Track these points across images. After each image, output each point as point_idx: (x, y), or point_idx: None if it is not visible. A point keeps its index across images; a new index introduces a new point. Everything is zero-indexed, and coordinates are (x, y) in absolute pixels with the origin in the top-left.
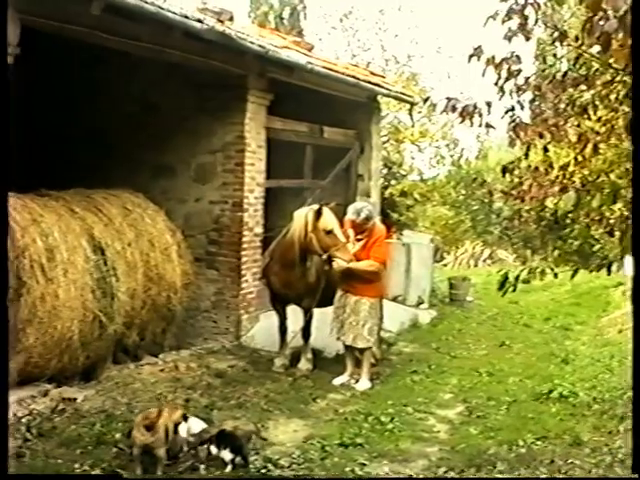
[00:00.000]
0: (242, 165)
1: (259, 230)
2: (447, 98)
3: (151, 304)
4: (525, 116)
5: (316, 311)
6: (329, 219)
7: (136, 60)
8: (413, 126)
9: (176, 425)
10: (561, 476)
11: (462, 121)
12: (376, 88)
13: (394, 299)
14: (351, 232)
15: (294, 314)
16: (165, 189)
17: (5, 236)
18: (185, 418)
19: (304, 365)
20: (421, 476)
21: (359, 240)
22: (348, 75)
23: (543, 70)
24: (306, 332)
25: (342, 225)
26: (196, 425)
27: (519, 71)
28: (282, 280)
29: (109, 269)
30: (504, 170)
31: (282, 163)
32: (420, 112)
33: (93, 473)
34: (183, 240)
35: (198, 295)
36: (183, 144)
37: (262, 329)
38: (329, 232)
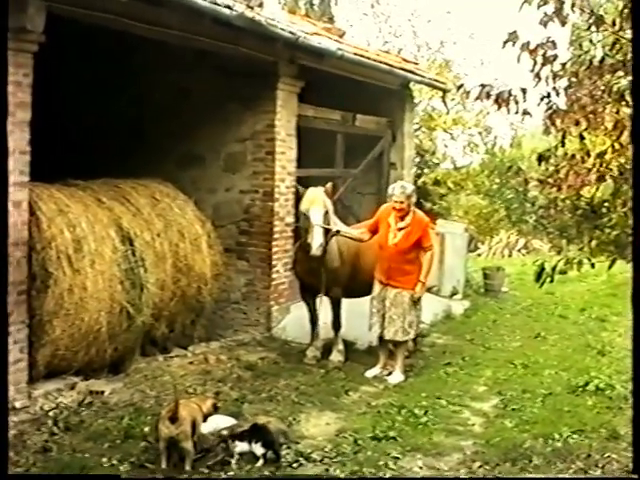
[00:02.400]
0: (272, 154)
1: (290, 220)
2: (481, 85)
3: (180, 295)
4: (561, 103)
5: (347, 302)
6: (306, 199)
7: (167, 48)
8: (447, 113)
9: (207, 416)
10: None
11: (498, 108)
12: (409, 75)
13: (428, 290)
14: (392, 221)
15: (326, 305)
16: (194, 178)
17: (5, 238)
18: (216, 408)
19: (336, 357)
20: (451, 474)
21: (401, 229)
22: (380, 62)
23: (579, 56)
24: (336, 323)
25: (373, 214)
26: (225, 421)
27: (555, 57)
28: (305, 268)
29: (137, 260)
30: (540, 158)
31: (313, 152)
32: (454, 99)
33: (121, 468)
34: (213, 230)
35: (228, 286)
36: (213, 133)
37: (293, 320)
38: (304, 214)
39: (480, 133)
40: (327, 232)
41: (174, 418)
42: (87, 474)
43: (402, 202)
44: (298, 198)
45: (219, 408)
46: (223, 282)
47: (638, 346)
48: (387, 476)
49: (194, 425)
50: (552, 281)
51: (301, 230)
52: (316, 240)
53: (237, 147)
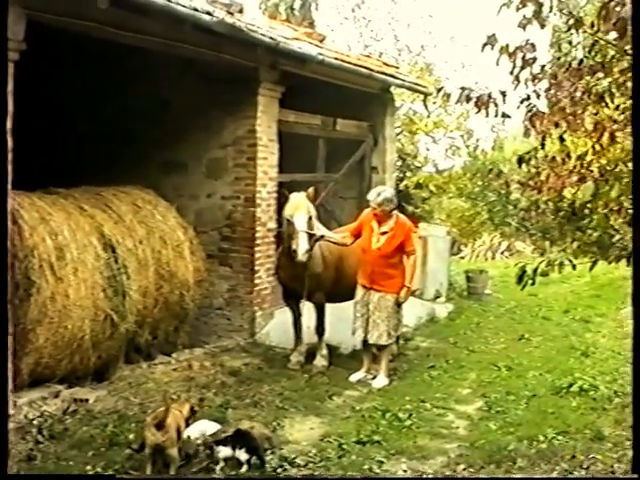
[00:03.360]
0: (254, 159)
1: (272, 225)
2: (461, 88)
3: (163, 302)
4: (541, 105)
5: (331, 306)
6: (290, 205)
7: (150, 56)
8: (429, 117)
9: (187, 420)
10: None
11: (478, 111)
12: (389, 79)
13: (411, 293)
14: (375, 225)
15: (310, 310)
16: (177, 185)
17: (5, 238)
18: (193, 412)
19: (319, 362)
20: (439, 475)
21: (384, 234)
22: (361, 66)
23: (558, 58)
24: (320, 328)
25: (355, 219)
26: (210, 427)
27: (534, 59)
28: (289, 274)
29: (120, 267)
30: (520, 160)
31: (295, 157)
32: (435, 103)
33: (106, 475)
34: (195, 237)
35: (211, 292)
36: (195, 139)
37: (277, 326)
38: (288, 220)
39: (462, 136)
40: (311, 237)
41: (160, 425)
42: (86, 474)
43: (376, 207)
44: (280, 203)
45: (197, 412)
46: (206, 288)
47: (638, 346)
48: (387, 476)
49: (178, 431)
50: (533, 283)
51: (283, 235)
52: (302, 246)
53: (219, 153)
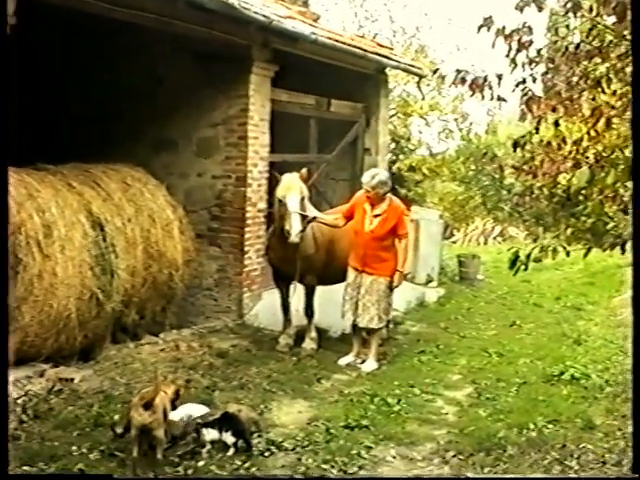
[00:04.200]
0: (245, 139)
1: (263, 205)
2: (456, 70)
3: (151, 282)
4: (537, 89)
5: (320, 289)
6: (282, 186)
7: (143, 33)
8: (423, 99)
9: (173, 402)
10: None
11: (472, 94)
12: (384, 60)
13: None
14: (368, 207)
15: (299, 292)
16: (166, 164)
17: (5, 238)
18: (178, 394)
19: (308, 345)
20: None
21: (377, 216)
22: (355, 46)
23: (555, 42)
24: (309, 310)
25: (347, 201)
26: (197, 409)
27: (531, 42)
28: (279, 255)
29: (108, 245)
30: (515, 145)
31: (287, 137)
32: (429, 85)
33: (91, 456)
34: (185, 216)
35: (200, 272)
36: (186, 118)
37: (265, 307)
38: (280, 201)
39: (456, 119)
40: (304, 218)
41: (148, 405)
42: (86, 474)
43: (370, 190)
44: (271, 184)
45: (181, 394)
46: (194, 268)
47: (638, 340)
48: (388, 476)
49: (164, 413)
50: (526, 269)
51: (275, 216)
52: (295, 227)
53: (210, 132)
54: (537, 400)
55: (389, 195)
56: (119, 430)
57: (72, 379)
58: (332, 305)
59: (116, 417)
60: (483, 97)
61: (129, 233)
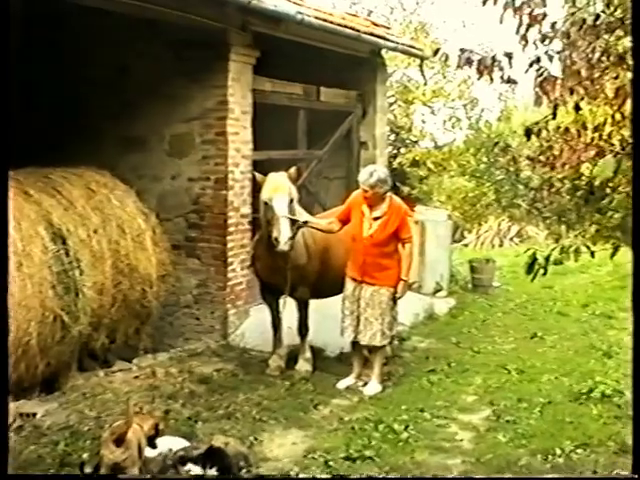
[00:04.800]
0: (225, 135)
1: (246, 210)
2: (461, 50)
3: (122, 300)
4: (554, 69)
5: (315, 303)
6: (268, 187)
7: (105, 17)
8: (426, 84)
9: (150, 438)
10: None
11: (480, 77)
12: (380, 41)
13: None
14: (366, 209)
15: (291, 308)
16: (136, 165)
17: (5, 238)
18: (157, 429)
19: (302, 366)
20: None
21: (377, 219)
22: (346, 26)
23: (572, 14)
24: (303, 328)
25: (343, 202)
26: (176, 443)
27: (544, 16)
28: (267, 266)
29: (72, 261)
30: (528, 132)
31: (272, 131)
32: (433, 68)
33: None
34: (158, 225)
35: (177, 288)
36: (156, 112)
37: (253, 326)
38: (266, 204)
39: (464, 106)
40: (293, 223)
41: (120, 441)
42: (86, 474)
43: (368, 190)
44: (256, 185)
45: (161, 430)
46: (171, 284)
47: (638, 347)
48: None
49: (139, 449)
50: (545, 273)
51: (261, 222)
52: (284, 233)
53: (184, 128)
54: (564, 422)
55: (390, 194)
56: (88, 470)
57: (34, 414)
58: (328, 321)
59: (85, 455)
60: (492, 80)
61: (95, 246)
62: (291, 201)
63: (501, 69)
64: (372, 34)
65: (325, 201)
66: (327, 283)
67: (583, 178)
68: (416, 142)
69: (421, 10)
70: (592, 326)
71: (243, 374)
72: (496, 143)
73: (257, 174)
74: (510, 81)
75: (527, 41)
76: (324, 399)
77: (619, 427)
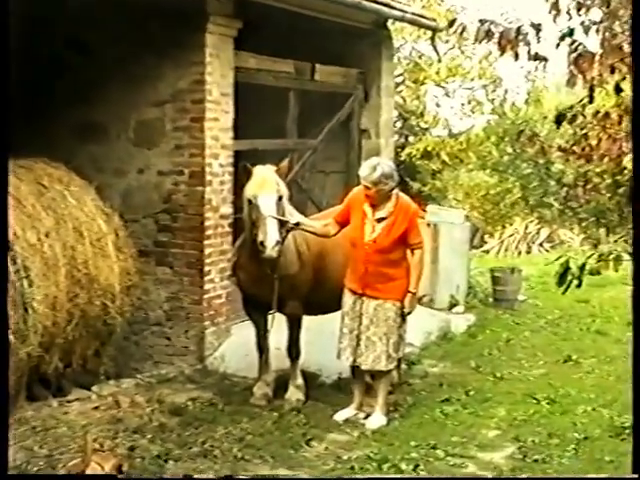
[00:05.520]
0: (201, 121)
1: (227, 210)
2: (480, 21)
3: (79, 316)
4: (591, 43)
5: (308, 319)
6: (253, 183)
7: None
8: (439, 61)
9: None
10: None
11: (502, 53)
12: (384, 9)
13: (418, 301)
14: (368, 209)
15: (280, 325)
16: (96, 156)
17: (5, 238)
18: (120, 470)
19: (293, 395)
20: None
21: (381, 221)
22: None
23: None
24: (293, 349)
25: (341, 200)
26: None
27: None
28: (252, 276)
29: (19, 269)
30: (560, 118)
31: (257, 117)
32: (448, 41)
33: None
34: (122, 227)
35: (145, 302)
36: (121, 94)
37: (235, 346)
38: (251, 202)
39: (485, 87)
40: (283, 225)
41: None
42: (86, 474)
43: (371, 187)
44: (239, 180)
45: (125, 471)
46: (138, 297)
47: (638, 350)
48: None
49: None
50: (580, 285)
51: (244, 223)
52: (271, 236)
53: (153, 112)
54: (602, 460)
55: (396, 192)
56: None
57: None
58: (324, 341)
59: None
60: (517, 56)
61: (47, 252)
62: (280, 199)
63: (528, 44)
64: (376, 1)
65: (320, 199)
66: (322, 296)
67: (625, 172)
68: (428, 130)
69: None
70: None
71: (223, 404)
72: (522, 131)
73: (246, 164)
74: (538, 58)
75: (559, 10)
76: (319, 434)
77: None
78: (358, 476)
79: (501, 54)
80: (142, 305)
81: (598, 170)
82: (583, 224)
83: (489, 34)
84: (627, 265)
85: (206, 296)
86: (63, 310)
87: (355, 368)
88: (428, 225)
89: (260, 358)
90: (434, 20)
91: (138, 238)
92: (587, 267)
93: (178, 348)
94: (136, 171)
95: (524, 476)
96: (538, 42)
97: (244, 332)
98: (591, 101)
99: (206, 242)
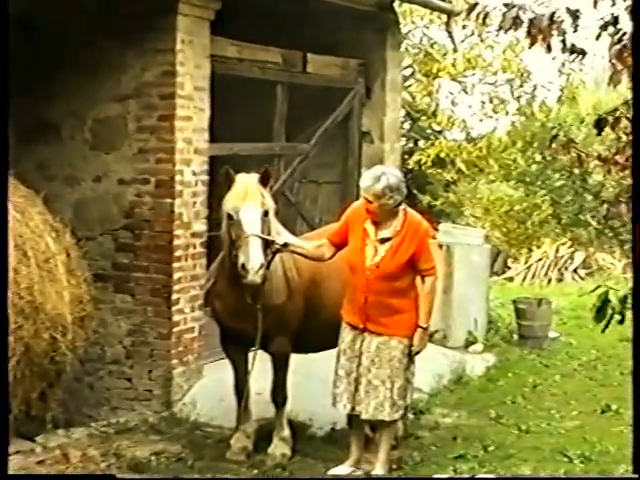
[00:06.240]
0: (171, 119)
1: (200, 227)
2: (505, 5)
3: (23, 352)
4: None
5: (296, 358)
6: (233, 194)
7: None
8: (455, 51)
9: None
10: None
11: (532, 44)
12: None
13: (428, 337)
14: (371, 228)
15: (263, 364)
16: (44, 161)
17: (5, 239)
18: None
19: (277, 448)
20: None
21: (385, 241)
22: None
23: None
24: (279, 394)
25: (338, 217)
26: None
27: None
28: (230, 305)
29: None
30: (600, 122)
31: (239, 116)
32: (465, 27)
33: None
34: (74, 246)
35: (102, 336)
36: (75, 88)
37: (208, 391)
38: (230, 217)
39: (510, 81)
40: (268, 246)
41: None
42: (86, 474)
43: (373, 201)
44: (215, 191)
45: None
46: (93, 330)
47: (638, 350)
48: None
49: None
50: (622, 321)
51: (222, 243)
52: (254, 259)
53: (113, 109)
54: None
55: (404, 207)
56: None
57: None
58: (315, 385)
59: None
60: (549, 48)
61: None
62: (265, 214)
63: (563, 33)
64: None
65: (312, 215)
66: (315, 331)
67: None
68: (441, 132)
69: None
70: None
71: (193, 459)
72: (555, 136)
73: (229, 169)
74: (575, 51)
75: None
76: None
77: None
78: (359, 475)
79: (530, 45)
80: (98, 340)
81: None
82: (626, 247)
83: (517, 22)
84: None
85: (175, 329)
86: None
87: (353, 417)
88: (440, 247)
89: (239, 404)
90: (450, 2)
91: (94, 259)
92: (629, 299)
93: (140, 391)
94: (92, 179)
95: (524, 476)
96: (575, 31)
97: (220, 373)
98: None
99: (175, 265)
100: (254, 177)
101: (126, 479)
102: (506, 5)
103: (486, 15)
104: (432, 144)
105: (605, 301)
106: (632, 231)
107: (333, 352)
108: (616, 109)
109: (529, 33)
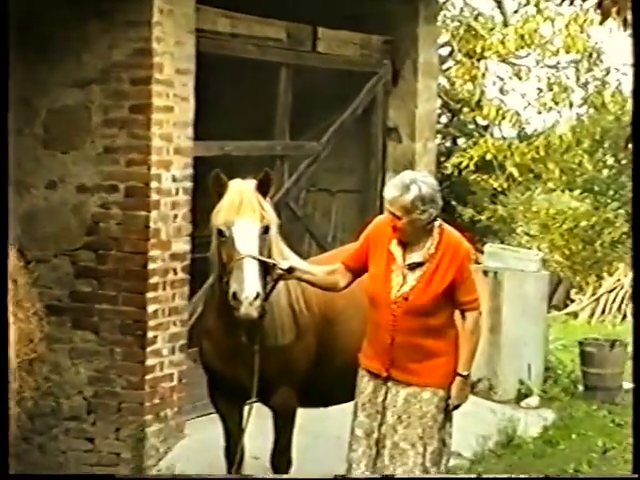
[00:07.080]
0: (146, 111)
1: (182, 246)
2: None
3: None
4: None
5: (302, 414)
6: (225, 205)
7: None
8: (506, 25)
9: None
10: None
11: (603, 19)
12: None
13: (470, 388)
14: (397, 250)
15: (262, 421)
16: None
17: (5, 239)
18: None
19: None
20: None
21: (415, 267)
22: None
23: None
24: (281, 459)
25: (357, 235)
26: None
27: None
28: (221, 346)
29: None
30: None
31: (231, 107)
32: None
33: None
34: (22, 270)
35: (56, 385)
36: (24, 70)
37: (191, 453)
38: (221, 233)
39: (576, 64)
40: (269, 271)
41: None
42: (86, 474)
43: (401, 215)
44: (199, 200)
45: None
46: (45, 376)
47: (638, 341)
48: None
49: None
50: None
51: (211, 266)
52: (249, 286)
53: (73, 97)
54: None
55: (439, 223)
56: None
57: None
58: (326, 447)
59: None
60: (625, 25)
61: None
62: (265, 230)
63: None
64: None
65: (324, 233)
66: (327, 380)
67: None
68: (487, 128)
69: None
70: None
71: None
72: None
73: (220, 173)
74: None
75: None
76: None
77: None
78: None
79: (602, 21)
80: (51, 389)
81: None
82: None
83: None
84: None
85: (149, 376)
86: None
87: None
88: (486, 274)
89: (229, 471)
90: None
91: (47, 287)
92: None
93: (105, 455)
94: (45, 185)
95: (523, 476)
96: None
97: (206, 432)
98: None
99: (150, 294)
100: (251, 184)
101: (126, 479)
102: None
103: None
104: (476, 143)
105: None
106: (632, 231)
107: (349, 406)
108: None
109: (600, 6)
